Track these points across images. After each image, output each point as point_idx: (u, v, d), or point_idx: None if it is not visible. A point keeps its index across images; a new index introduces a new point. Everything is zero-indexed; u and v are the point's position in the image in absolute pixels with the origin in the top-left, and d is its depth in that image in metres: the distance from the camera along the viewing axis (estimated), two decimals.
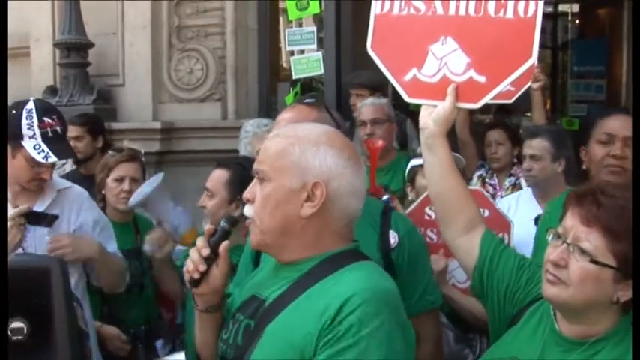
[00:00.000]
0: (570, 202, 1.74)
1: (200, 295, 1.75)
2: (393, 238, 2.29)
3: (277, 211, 1.66)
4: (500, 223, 2.86)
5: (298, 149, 1.67)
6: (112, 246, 3.19)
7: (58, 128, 2.82)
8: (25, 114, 2.77)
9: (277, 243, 1.70)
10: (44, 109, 2.83)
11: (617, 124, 2.55)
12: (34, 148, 2.74)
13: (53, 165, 2.90)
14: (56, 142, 2.79)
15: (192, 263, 1.71)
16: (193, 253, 1.72)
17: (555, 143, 3.68)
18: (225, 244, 1.72)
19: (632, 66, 2.05)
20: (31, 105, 2.80)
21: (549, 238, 1.75)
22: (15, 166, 2.79)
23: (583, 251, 1.65)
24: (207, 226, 1.78)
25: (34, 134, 2.75)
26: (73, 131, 4.55)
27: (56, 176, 3.19)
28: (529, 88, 4.24)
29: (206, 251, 1.71)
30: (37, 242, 2.82)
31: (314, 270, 1.67)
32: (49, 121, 2.80)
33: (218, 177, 3.12)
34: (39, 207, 2.90)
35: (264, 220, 1.68)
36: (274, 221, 1.67)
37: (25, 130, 2.75)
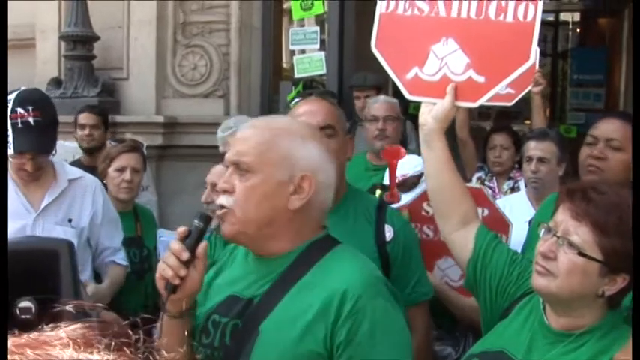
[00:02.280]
0: (562, 198, 1.78)
1: (175, 300, 1.62)
2: (389, 231, 2.36)
3: (264, 203, 1.62)
4: (499, 224, 2.86)
5: (286, 141, 1.65)
6: (117, 240, 3.22)
7: (31, 119, 2.72)
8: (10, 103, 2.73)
9: (261, 234, 1.65)
10: (22, 99, 2.75)
11: (603, 127, 2.59)
12: (9, 149, 2.71)
13: (44, 156, 2.87)
14: (24, 133, 2.72)
15: (171, 269, 1.59)
16: (170, 258, 1.60)
17: (561, 147, 3.71)
18: (203, 244, 1.63)
19: (632, 71, 2.08)
20: (12, 95, 2.75)
21: (541, 232, 1.80)
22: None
23: (571, 244, 1.69)
24: (180, 228, 1.67)
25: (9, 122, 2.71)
26: (90, 119, 4.64)
27: (68, 166, 3.21)
28: (529, 93, 4.30)
29: (186, 255, 1.59)
30: (44, 235, 2.84)
31: (298, 262, 1.65)
32: (22, 111, 2.72)
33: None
34: (49, 197, 2.93)
35: (249, 213, 1.62)
36: (261, 213, 1.63)
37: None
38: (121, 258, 3.28)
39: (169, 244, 1.66)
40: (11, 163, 2.90)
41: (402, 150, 3.22)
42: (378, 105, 4.14)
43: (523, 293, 1.96)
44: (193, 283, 1.62)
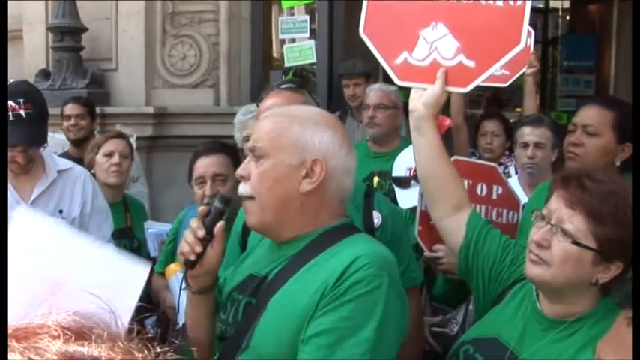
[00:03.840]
0: (556, 185, 1.78)
1: (194, 276, 1.74)
2: (377, 218, 2.35)
3: (276, 186, 1.67)
4: (512, 202, 2.85)
5: (298, 127, 1.69)
6: (105, 230, 3.17)
7: (22, 112, 2.73)
8: None
9: (277, 220, 1.70)
10: (13, 92, 2.75)
11: (581, 113, 2.63)
12: None
13: (35, 148, 2.86)
14: (16, 125, 2.71)
15: (188, 245, 1.70)
16: (188, 234, 1.71)
17: (555, 132, 3.70)
18: (220, 224, 1.71)
19: (632, 62, 2.07)
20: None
21: (534, 219, 1.79)
22: None
23: (565, 233, 1.68)
24: (201, 207, 1.77)
25: None
26: (75, 109, 4.62)
27: (57, 157, 3.21)
28: (521, 78, 4.31)
29: (201, 232, 1.69)
30: None
31: (314, 243, 1.69)
32: (13, 104, 2.72)
33: (222, 161, 3.01)
34: (39, 188, 2.93)
35: (263, 196, 1.68)
36: (273, 197, 1.68)
37: None
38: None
39: (190, 222, 1.74)
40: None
41: (447, 120, 3.20)
42: (372, 93, 4.18)
43: (516, 279, 1.95)
44: (211, 260, 1.71)
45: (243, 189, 1.72)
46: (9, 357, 0.63)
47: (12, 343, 0.65)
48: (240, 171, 1.74)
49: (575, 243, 1.67)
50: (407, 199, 3.03)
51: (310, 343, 1.53)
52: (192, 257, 1.69)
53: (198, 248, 1.69)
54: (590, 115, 2.59)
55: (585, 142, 2.55)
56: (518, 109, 8.35)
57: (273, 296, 1.65)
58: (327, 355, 1.51)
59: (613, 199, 1.68)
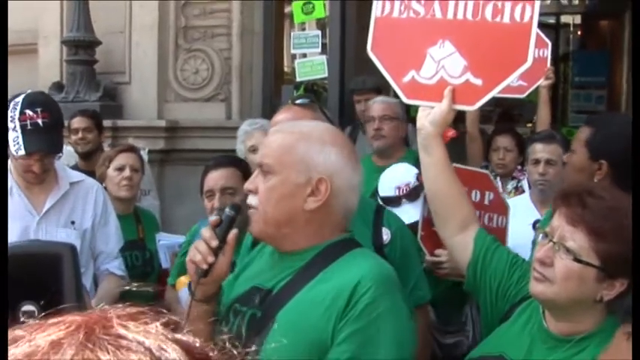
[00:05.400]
0: (557, 202, 1.78)
1: (202, 284, 1.76)
2: (386, 234, 2.37)
3: (282, 203, 1.71)
4: (501, 206, 2.89)
5: (304, 145, 1.72)
6: (112, 245, 3.16)
7: (40, 121, 2.75)
8: (11, 107, 2.76)
9: (279, 233, 1.74)
10: (30, 102, 2.78)
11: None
12: (13, 140, 2.73)
13: (50, 159, 2.88)
14: (34, 134, 2.74)
15: (201, 254, 1.72)
16: (200, 244, 1.74)
17: (566, 149, 3.70)
18: (233, 232, 1.75)
19: (631, 70, 2.09)
20: (19, 98, 2.78)
21: (539, 237, 1.79)
22: (12, 161, 2.84)
23: (568, 250, 1.68)
24: (212, 218, 1.80)
25: (15, 126, 2.73)
26: (82, 122, 4.64)
27: (69, 169, 3.24)
28: (536, 90, 4.33)
29: (215, 243, 1.73)
30: (48, 237, 2.85)
31: (317, 258, 1.73)
32: (31, 113, 2.75)
33: (231, 174, 3.04)
34: (52, 199, 2.95)
35: (268, 211, 1.72)
36: (278, 213, 1.72)
37: (8, 123, 2.73)
38: (116, 267, 3.19)
39: (201, 232, 1.77)
40: (14, 166, 2.93)
41: (450, 131, 3.25)
42: (376, 105, 4.18)
43: (523, 297, 1.95)
44: (221, 268, 1.75)
45: (252, 200, 1.76)
46: (130, 335, 0.63)
47: (129, 323, 0.64)
48: (248, 185, 1.78)
49: (577, 260, 1.67)
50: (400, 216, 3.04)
51: None
52: (205, 267, 1.72)
53: (211, 258, 1.72)
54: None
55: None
56: (529, 125, 8.35)
57: (280, 310, 1.68)
58: None
59: (615, 215, 1.68)
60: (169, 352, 0.63)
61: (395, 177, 3.15)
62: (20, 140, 2.72)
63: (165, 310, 0.70)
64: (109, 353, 0.61)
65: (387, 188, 3.13)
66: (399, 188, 3.10)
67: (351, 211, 1.80)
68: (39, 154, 2.80)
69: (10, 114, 2.74)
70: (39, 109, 2.77)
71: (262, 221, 1.74)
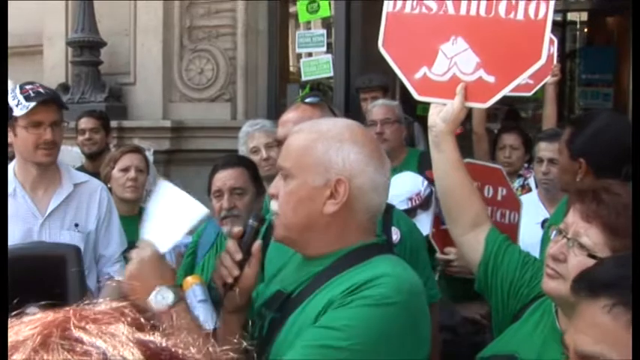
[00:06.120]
0: (572, 199, 1.76)
1: (231, 297, 1.74)
2: (396, 234, 2.34)
3: (300, 207, 1.65)
4: (513, 202, 2.87)
5: (321, 146, 1.65)
6: (114, 247, 3.14)
7: (41, 89, 2.83)
8: (10, 95, 2.82)
9: (301, 238, 1.69)
10: (24, 83, 2.86)
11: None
12: (21, 109, 2.77)
13: (59, 131, 2.89)
14: (39, 96, 2.79)
15: (226, 268, 1.71)
16: (225, 258, 1.72)
17: None
18: (258, 243, 1.72)
19: (632, 67, 2.08)
20: (13, 86, 2.86)
21: (552, 234, 1.77)
22: (19, 143, 2.84)
23: (582, 246, 1.66)
24: (236, 229, 1.77)
25: (19, 101, 2.78)
26: (90, 123, 4.65)
27: (73, 170, 3.23)
28: (543, 87, 4.31)
29: (239, 256, 1.70)
30: (51, 240, 2.85)
31: (337, 263, 1.66)
32: (29, 86, 2.82)
33: (240, 174, 3.02)
34: (56, 200, 2.94)
35: (288, 216, 1.67)
36: (297, 217, 1.66)
37: (13, 106, 2.79)
38: (117, 271, 3.11)
39: (226, 244, 1.76)
40: (17, 166, 2.92)
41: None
42: (376, 109, 4.16)
43: (535, 296, 1.93)
44: (248, 280, 1.72)
45: (273, 206, 1.71)
46: (85, 338, 0.63)
47: (89, 326, 0.65)
48: (271, 189, 1.73)
49: (592, 256, 1.64)
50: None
51: (294, 346, 1.52)
52: (230, 280, 1.70)
53: (236, 272, 1.70)
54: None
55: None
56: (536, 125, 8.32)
57: (293, 312, 1.64)
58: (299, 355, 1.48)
59: (630, 211, 1.65)
60: (126, 355, 0.62)
61: (404, 188, 3.12)
62: (28, 102, 2.76)
63: (133, 308, 0.70)
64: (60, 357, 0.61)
65: (399, 202, 3.08)
66: (410, 200, 3.08)
67: (376, 213, 1.72)
68: (49, 111, 2.82)
69: (12, 100, 2.80)
70: (36, 84, 2.87)
71: (283, 226, 1.69)
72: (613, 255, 1.60)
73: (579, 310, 1.34)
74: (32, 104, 2.75)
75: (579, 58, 10.67)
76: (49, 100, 2.83)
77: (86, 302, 0.70)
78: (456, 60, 2.05)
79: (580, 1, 10.96)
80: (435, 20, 2.09)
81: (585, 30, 11.45)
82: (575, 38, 11.55)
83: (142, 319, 0.68)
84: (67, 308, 0.68)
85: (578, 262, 1.66)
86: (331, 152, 1.65)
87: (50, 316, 0.66)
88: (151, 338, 0.66)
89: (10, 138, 2.85)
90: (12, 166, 2.96)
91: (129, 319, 0.67)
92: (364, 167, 1.65)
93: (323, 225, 1.65)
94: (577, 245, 1.67)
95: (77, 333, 0.63)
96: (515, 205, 2.87)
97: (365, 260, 1.64)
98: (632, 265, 1.59)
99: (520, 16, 2.00)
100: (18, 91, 2.82)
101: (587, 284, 1.33)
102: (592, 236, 1.66)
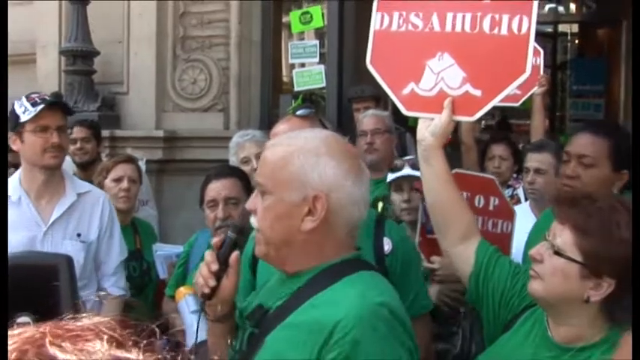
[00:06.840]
0: (553, 204, 1.85)
1: (211, 306, 1.75)
2: (387, 244, 2.35)
3: (278, 224, 1.63)
4: (507, 212, 2.89)
5: (297, 160, 1.61)
6: (114, 258, 3.15)
7: (46, 97, 2.91)
8: (17, 104, 2.88)
9: (279, 255, 1.67)
10: (30, 93, 2.93)
11: (576, 143, 2.54)
12: (28, 115, 2.82)
13: (65, 136, 2.95)
14: (45, 101, 2.86)
15: (202, 278, 1.71)
16: (202, 268, 1.72)
17: (559, 158, 3.70)
18: (235, 254, 1.71)
19: (632, 77, 2.09)
20: (20, 100, 2.92)
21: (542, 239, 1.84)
22: (27, 149, 2.87)
23: (553, 246, 1.74)
24: (215, 240, 1.78)
25: (26, 108, 2.83)
26: (81, 132, 4.66)
27: (77, 179, 3.25)
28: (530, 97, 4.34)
29: (215, 267, 1.70)
30: (53, 249, 2.86)
31: (313, 281, 1.64)
32: (35, 95, 2.90)
33: (233, 184, 3.03)
34: (59, 210, 2.96)
35: (266, 232, 1.65)
36: (275, 234, 1.64)
37: (20, 114, 2.84)
38: (114, 284, 3.16)
39: (204, 254, 1.77)
40: (23, 174, 2.95)
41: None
42: (367, 119, 4.18)
43: (526, 306, 1.97)
44: (226, 290, 1.73)
45: (253, 220, 1.70)
46: (60, 356, 0.63)
47: (64, 343, 0.65)
48: (248, 204, 1.71)
49: (558, 254, 1.72)
50: None
51: None
52: (207, 290, 1.71)
53: (212, 282, 1.70)
54: (584, 144, 2.49)
55: (581, 174, 2.46)
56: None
57: (270, 332, 1.63)
58: None
59: (602, 214, 1.71)
60: None
61: None
62: (34, 107, 2.82)
63: (114, 325, 0.70)
64: None
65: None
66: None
67: (355, 227, 1.69)
68: (55, 116, 2.88)
69: (19, 109, 2.86)
70: (42, 93, 2.96)
71: (263, 243, 1.67)
72: None
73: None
74: (39, 107, 2.80)
75: (570, 69, 10.72)
76: (55, 104, 2.90)
77: (69, 317, 0.70)
78: (443, 75, 2.08)
79: (571, 13, 11.05)
80: (421, 37, 2.13)
81: (576, 41, 11.51)
82: (566, 50, 11.62)
83: (121, 336, 0.68)
84: (45, 325, 0.68)
85: (550, 261, 1.74)
86: (307, 167, 1.61)
87: (28, 332, 0.67)
88: (128, 355, 0.66)
89: (16, 146, 2.89)
90: (17, 175, 2.99)
91: (107, 335, 0.67)
92: (342, 181, 1.61)
93: (301, 242, 1.63)
94: (551, 246, 1.74)
95: (52, 350, 0.64)
96: (509, 215, 2.89)
97: (338, 279, 1.62)
98: (633, 264, 1.63)
99: (504, 31, 2.03)
100: (24, 99, 2.88)
101: None
102: (564, 237, 1.73)
